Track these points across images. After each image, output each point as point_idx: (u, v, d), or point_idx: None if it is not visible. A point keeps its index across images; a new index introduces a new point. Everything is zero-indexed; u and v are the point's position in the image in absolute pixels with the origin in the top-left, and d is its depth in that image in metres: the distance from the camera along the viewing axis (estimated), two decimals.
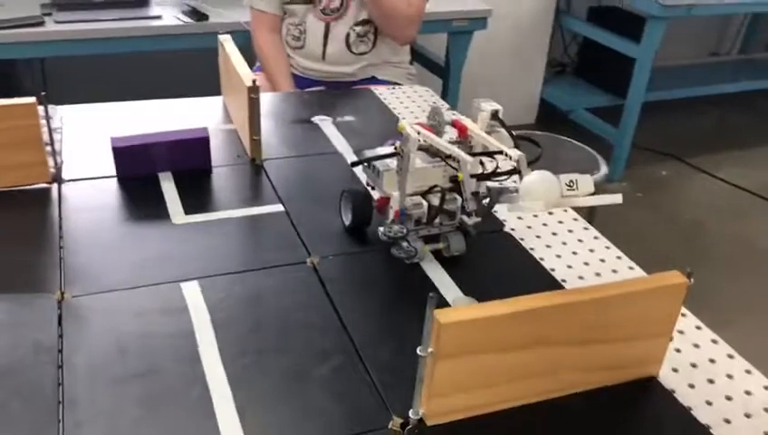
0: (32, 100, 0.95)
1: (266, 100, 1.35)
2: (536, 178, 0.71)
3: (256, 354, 0.72)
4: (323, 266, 0.87)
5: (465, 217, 0.89)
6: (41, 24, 2.01)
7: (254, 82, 1.04)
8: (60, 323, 0.74)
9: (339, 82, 1.83)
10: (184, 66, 2.45)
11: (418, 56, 2.69)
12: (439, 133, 0.86)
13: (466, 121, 0.87)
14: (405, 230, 0.85)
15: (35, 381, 0.66)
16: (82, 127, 1.17)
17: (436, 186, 0.86)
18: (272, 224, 0.96)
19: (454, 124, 0.88)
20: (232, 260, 0.88)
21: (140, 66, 2.58)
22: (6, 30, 1.96)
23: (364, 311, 0.80)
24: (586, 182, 0.74)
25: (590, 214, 2.09)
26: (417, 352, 0.61)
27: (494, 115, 0.87)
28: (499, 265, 0.91)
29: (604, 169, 1.94)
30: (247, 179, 1.07)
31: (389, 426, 0.65)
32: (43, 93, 0.97)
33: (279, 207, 0.99)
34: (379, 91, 1.43)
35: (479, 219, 0.89)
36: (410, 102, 1.38)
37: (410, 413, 0.65)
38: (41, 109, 0.96)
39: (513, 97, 3.21)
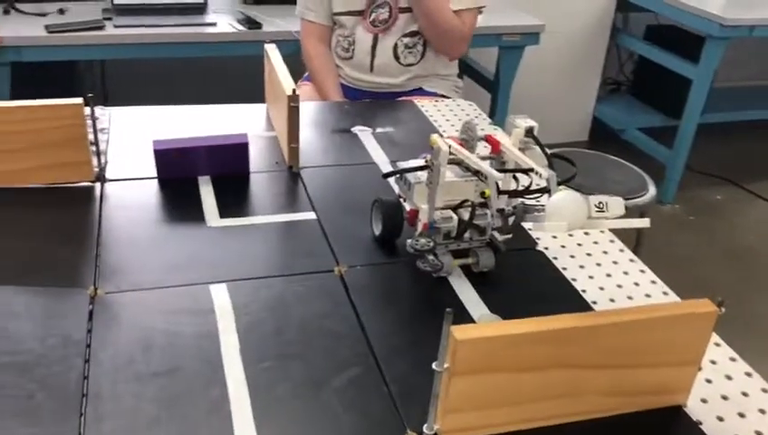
0: (78, 101, 0.98)
1: (308, 109, 1.36)
2: (563, 199, 0.70)
3: (277, 360, 0.73)
4: (350, 276, 0.87)
5: (495, 233, 0.88)
6: (101, 27, 2.08)
7: (294, 91, 1.05)
8: (90, 319, 0.76)
9: (386, 92, 1.84)
10: (237, 72, 2.50)
11: (468, 69, 2.68)
12: (471, 148, 0.86)
13: (501, 137, 0.86)
14: (432, 243, 0.85)
15: (62, 373, 0.68)
16: (129, 128, 1.20)
17: (467, 200, 0.86)
18: (303, 231, 0.97)
19: (487, 139, 0.87)
20: (261, 265, 0.89)
21: (195, 70, 2.64)
22: (69, 33, 2.04)
23: (387, 322, 0.80)
24: (617, 204, 0.72)
25: (637, 237, 2.04)
26: (433, 367, 0.61)
27: (529, 132, 0.86)
28: (529, 284, 0.90)
29: (652, 191, 1.89)
30: (283, 186, 1.08)
31: None
32: (90, 95, 1.00)
33: (312, 215, 1.00)
34: (422, 103, 1.43)
35: (509, 236, 0.88)
36: (452, 116, 1.38)
37: (425, 428, 0.65)
38: (87, 110, 1.00)
39: (565, 114, 3.17)
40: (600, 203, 0.71)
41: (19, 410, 0.62)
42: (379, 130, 1.28)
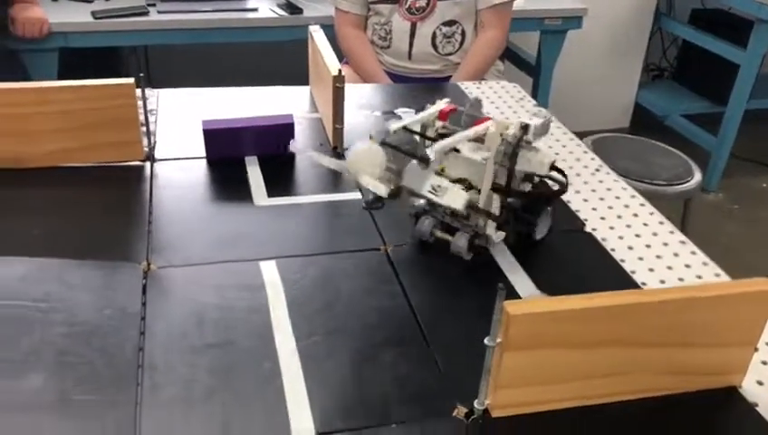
0: (130, 81, 1.00)
1: (352, 91, 1.36)
2: (359, 150, 0.77)
3: (326, 334, 0.74)
4: (396, 254, 0.87)
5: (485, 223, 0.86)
6: (145, 13, 2.11)
7: (339, 71, 1.06)
8: (144, 292, 0.77)
9: (426, 78, 1.84)
10: (276, 57, 2.52)
11: (508, 53, 2.66)
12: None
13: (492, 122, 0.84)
14: (426, 207, 0.87)
15: (119, 343, 0.70)
16: (176, 110, 1.22)
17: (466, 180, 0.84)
18: (349, 210, 0.97)
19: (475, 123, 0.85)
20: (309, 243, 0.90)
21: (235, 55, 2.66)
22: (114, 18, 2.07)
23: (434, 300, 0.80)
24: (454, 196, 0.81)
25: (681, 224, 2.01)
26: (485, 342, 0.61)
27: (525, 128, 0.83)
28: (577, 265, 0.89)
29: (698, 177, 1.86)
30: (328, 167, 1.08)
31: (453, 414, 0.65)
32: (141, 75, 1.02)
33: (357, 195, 1.00)
34: (466, 85, 1.42)
35: (498, 232, 0.87)
36: (497, 98, 1.37)
37: (475, 403, 0.65)
38: (138, 91, 1.01)
39: (606, 100, 3.12)
40: (438, 186, 0.80)
41: (80, 376, 0.64)
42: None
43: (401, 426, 0.64)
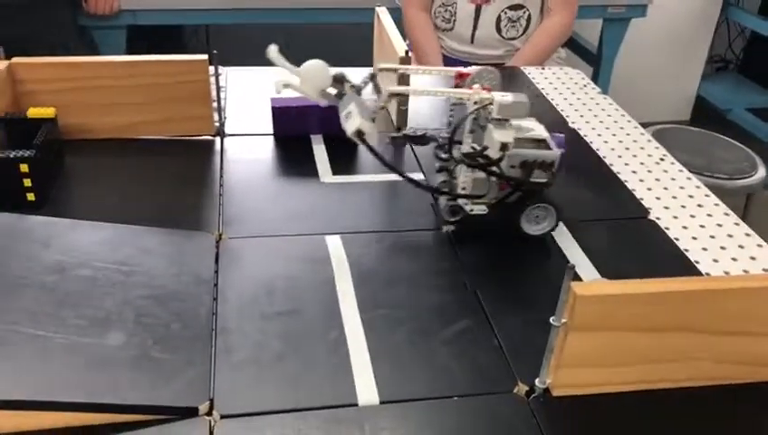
0: (204, 57, 1.03)
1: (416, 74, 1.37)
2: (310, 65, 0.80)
3: (390, 308, 0.76)
4: (458, 235, 0.89)
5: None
6: None
7: (406, 52, 1.07)
8: (216, 261, 0.81)
9: (487, 63, 1.83)
10: (334, 38, 2.54)
11: (569, 41, 2.62)
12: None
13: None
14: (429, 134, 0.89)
15: (193, 308, 0.73)
16: (245, 87, 1.25)
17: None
18: (411, 191, 0.98)
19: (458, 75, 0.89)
20: (372, 220, 0.92)
21: (293, 36, 2.69)
22: None
23: (495, 279, 0.81)
24: (352, 122, 0.79)
25: (743, 219, 1.97)
26: (551, 321, 0.62)
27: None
28: (640, 253, 0.89)
29: (762, 172, 1.82)
30: (391, 147, 1.10)
31: (514, 391, 0.66)
32: (214, 52, 1.05)
33: (419, 176, 1.02)
34: (528, 70, 1.41)
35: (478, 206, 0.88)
36: (560, 84, 1.36)
37: (537, 382, 0.66)
38: (211, 68, 1.04)
39: (668, 91, 3.06)
40: (349, 112, 0.80)
41: (159, 337, 0.68)
42: None
43: (463, 399, 0.65)
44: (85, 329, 0.66)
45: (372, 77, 0.88)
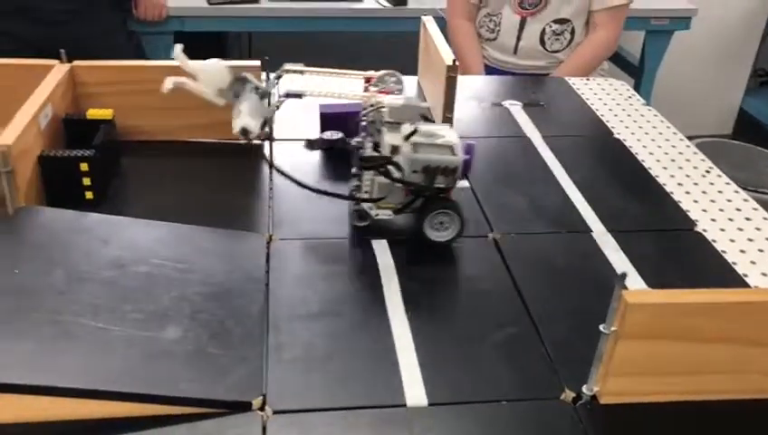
0: (257, 63, 1.06)
1: (461, 81, 1.39)
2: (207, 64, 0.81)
3: (437, 312, 0.77)
4: (505, 242, 0.89)
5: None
6: (256, 1, 2.19)
7: (453, 61, 1.08)
8: (267, 261, 0.82)
9: (529, 74, 1.84)
10: (375, 46, 2.57)
11: None
12: None
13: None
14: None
15: (246, 305, 0.75)
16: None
17: None
18: (456, 197, 1.00)
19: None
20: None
21: (333, 43, 2.73)
22: (228, 5, 2.16)
23: (542, 287, 0.82)
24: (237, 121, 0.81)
25: None
26: (600, 328, 0.62)
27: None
28: (687, 264, 0.88)
29: None
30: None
31: (561, 398, 0.67)
32: (266, 58, 1.07)
33: (464, 183, 1.03)
34: (573, 81, 1.42)
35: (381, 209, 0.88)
36: (605, 95, 1.36)
37: (584, 389, 0.66)
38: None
39: (710, 105, 3.03)
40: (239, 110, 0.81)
41: (214, 332, 0.70)
42: (530, 105, 1.29)
43: (511, 404, 0.66)
44: (144, 323, 0.69)
45: (278, 77, 0.89)
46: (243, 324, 0.72)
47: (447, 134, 0.87)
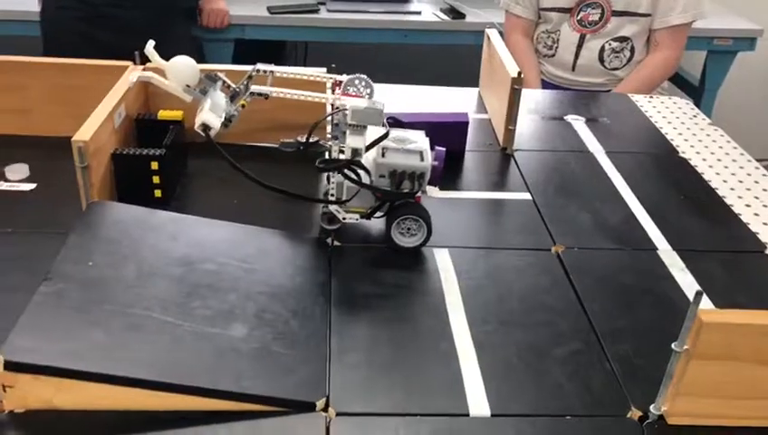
0: (323, 70, 1.07)
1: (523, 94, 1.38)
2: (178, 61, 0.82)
3: (499, 324, 0.76)
4: (568, 256, 0.88)
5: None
6: (316, 11, 2.23)
7: (519, 73, 1.08)
8: (330, 265, 0.83)
9: (587, 90, 1.82)
10: (432, 58, 2.57)
11: None
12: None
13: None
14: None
15: (310, 307, 0.75)
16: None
17: None
18: (518, 209, 0.99)
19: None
20: (479, 236, 0.92)
21: (388, 54, 2.74)
22: (288, 14, 2.20)
23: (607, 303, 0.80)
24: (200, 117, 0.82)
25: None
26: (672, 347, 0.61)
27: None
28: (757, 287, 0.86)
29: None
30: (497, 166, 1.11)
31: (627, 416, 0.65)
32: (332, 66, 1.08)
33: (526, 196, 1.02)
34: (636, 98, 1.40)
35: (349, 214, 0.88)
36: (669, 113, 1.34)
37: (651, 408, 0.65)
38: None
39: None
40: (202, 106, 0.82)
41: (278, 332, 0.70)
42: (592, 120, 1.27)
43: (575, 419, 0.65)
44: (210, 320, 0.70)
45: (249, 78, 0.90)
46: (306, 326, 0.72)
47: (419, 140, 0.87)
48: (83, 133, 0.83)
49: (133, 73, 0.89)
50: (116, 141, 0.92)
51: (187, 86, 0.86)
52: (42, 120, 1.08)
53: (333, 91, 0.92)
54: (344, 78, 0.92)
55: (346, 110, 0.84)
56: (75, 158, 0.81)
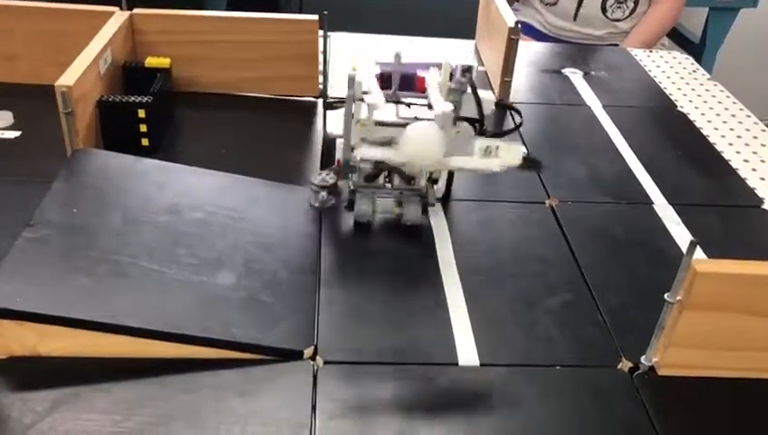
0: (314, 18, 1.04)
1: (520, 47, 1.35)
2: (417, 128, 0.68)
3: (490, 275, 0.75)
4: (561, 209, 0.87)
5: (429, 184, 0.82)
6: None
7: (516, 23, 1.05)
8: (320, 216, 0.82)
9: (585, 43, 1.79)
10: (429, 9, 2.51)
11: (671, 29, 2.52)
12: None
13: (431, 76, 0.80)
14: (333, 180, 0.81)
15: (298, 257, 0.74)
16: (346, 52, 1.26)
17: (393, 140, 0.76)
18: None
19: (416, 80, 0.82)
20: (473, 189, 0.91)
21: (383, 8, 2.68)
22: None
23: (600, 255, 0.80)
24: (513, 152, 0.70)
25: None
26: (665, 297, 0.60)
27: (467, 70, 0.77)
28: (753, 242, 0.85)
29: None
30: (493, 118, 1.09)
31: (618, 367, 0.65)
32: (324, 13, 1.05)
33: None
34: (635, 52, 1.37)
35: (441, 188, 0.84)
36: (668, 68, 1.31)
37: (642, 359, 0.64)
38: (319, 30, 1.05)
39: None
40: (489, 147, 0.70)
41: (266, 281, 0.69)
42: (590, 73, 1.25)
43: (565, 369, 0.64)
44: (197, 268, 0.69)
45: None
46: (295, 276, 0.71)
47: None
48: (67, 78, 0.80)
49: None
50: (102, 89, 0.90)
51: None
52: (27, 67, 1.05)
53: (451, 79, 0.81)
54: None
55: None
56: (59, 103, 0.79)
